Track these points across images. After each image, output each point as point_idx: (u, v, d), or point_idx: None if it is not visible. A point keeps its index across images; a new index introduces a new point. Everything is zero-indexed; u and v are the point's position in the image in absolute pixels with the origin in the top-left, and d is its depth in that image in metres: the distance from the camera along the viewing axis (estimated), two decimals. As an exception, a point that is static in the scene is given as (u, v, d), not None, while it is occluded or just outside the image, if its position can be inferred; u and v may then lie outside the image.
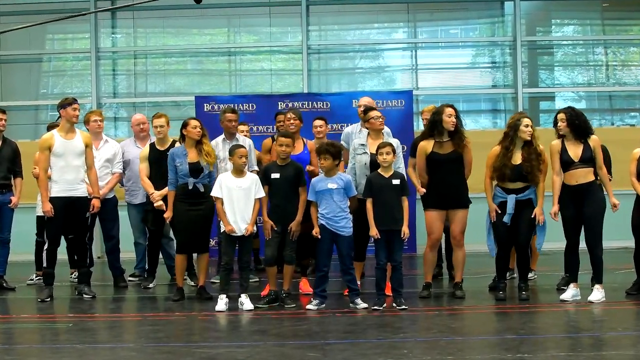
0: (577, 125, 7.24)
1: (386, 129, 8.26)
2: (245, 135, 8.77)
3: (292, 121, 8.07)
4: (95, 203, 8.02)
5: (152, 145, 8.54)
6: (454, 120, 7.48)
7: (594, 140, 7.27)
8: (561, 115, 7.33)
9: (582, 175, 7.22)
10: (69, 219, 7.86)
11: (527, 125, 7.34)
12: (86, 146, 7.91)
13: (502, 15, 13.13)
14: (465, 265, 7.71)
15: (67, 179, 7.78)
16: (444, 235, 7.96)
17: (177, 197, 7.71)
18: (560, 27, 13.88)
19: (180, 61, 13.62)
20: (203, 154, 7.74)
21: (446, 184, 7.50)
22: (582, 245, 7.33)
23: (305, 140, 8.18)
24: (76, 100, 7.94)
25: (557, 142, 7.37)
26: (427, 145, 7.57)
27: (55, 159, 7.78)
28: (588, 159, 7.21)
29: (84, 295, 8.01)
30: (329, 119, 9.01)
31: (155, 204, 8.20)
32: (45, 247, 8.03)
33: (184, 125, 7.80)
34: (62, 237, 8.05)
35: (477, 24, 13.59)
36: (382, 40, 13.70)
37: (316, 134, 8.45)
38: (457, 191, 7.53)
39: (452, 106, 7.60)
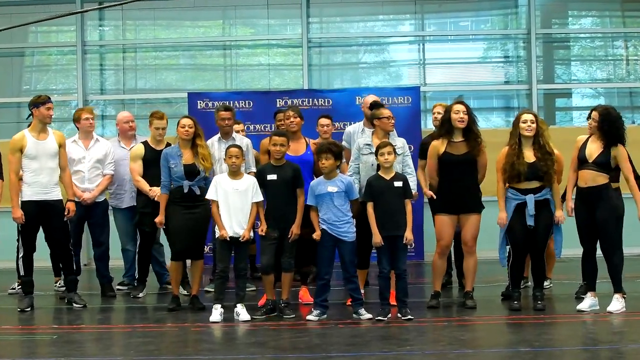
0: (606, 131, 7.23)
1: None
2: (242, 135, 8.78)
3: (292, 119, 8.02)
4: (70, 206, 7.98)
5: (146, 144, 8.55)
6: (462, 117, 7.48)
7: (618, 151, 7.21)
8: (595, 114, 7.32)
9: (591, 178, 7.23)
10: (46, 225, 7.85)
11: (525, 121, 7.35)
12: (60, 146, 7.89)
13: (515, 6, 13.14)
14: (476, 274, 7.73)
15: (41, 182, 7.77)
16: (453, 241, 7.97)
17: (172, 201, 7.73)
18: (578, 19, 13.88)
19: (172, 55, 13.63)
20: (199, 157, 7.75)
21: (458, 187, 7.50)
22: (599, 251, 7.36)
23: (308, 140, 8.18)
24: (50, 99, 7.89)
25: (581, 138, 7.40)
26: (439, 145, 7.57)
27: (27, 161, 7.75)
28: (601, 163, 7.20)
29: (74, 305, 8.02)
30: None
31: (157, 198, 8.15)
32: (21, 254, 8.03)
33: (177, 124, 7.83)
34: (46, 243, 8.07)
35: (489, 16, 13.60)
36: (388, 33, 13.70)
37: (322, 133, 8.45)
38: (469, 195, 7.52)
39: (462, 103, 7.60)
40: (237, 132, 8.79)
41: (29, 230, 7.84)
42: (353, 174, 7.64)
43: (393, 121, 7.82)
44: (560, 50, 13.62)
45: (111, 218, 9.06)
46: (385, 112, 7.78)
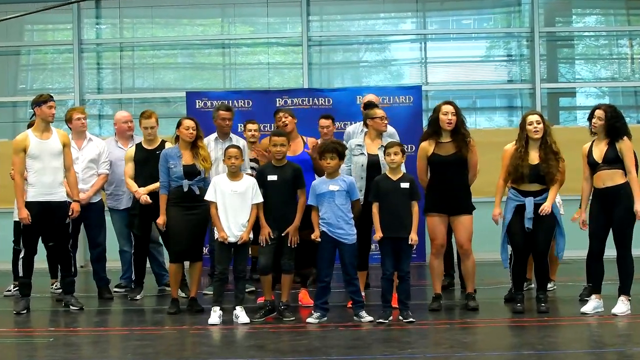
0: (616, 127, 7.23)
1: (391, 129, 8.28)
2: (254, 135, 8.78)
3: (283, 120, 8.08)
4: (75, 207, 8.01)
5: (138, 145, 8.56)
6: (450, 118, 7.48)
7: (623, 143, 7.23)
8: (599, 112, 7.29)
9: (609, 178, 7.23)
10: (48, 226, 7.85)
11: (531, 123, 7.35)
12: (64, 146, 7.90)
13: (518, 4, 13.15)
14: (477, 275, 7.73)
15: (45, 182, 7.76)
16: (453, 242, 7.97)
17: (171, 201, 7.73)
18: (582, 18, 13.89)
19: (170, 54, 13.64)
20: (199, 158, 7.76)
21: (447, 187, 7.51)
22: (606, 253, 7.36)
23: (305, 138, 8.18)
24: (52, 98, 7.91)
25: (586, 145, 7.41)
26: (427, 147, 7.60)
27: (31, 161, 7.75)
28: (612, 160, 7.21)
29: (71, 307, 8.02)
30: (330, 116, 9.01)
31: (141, 200, 8.18)
32: (21, 255, 8.04)
33: (178, 124, 7.84)
34: (43, 245, 8.08)
35: (491, 14, 13.61)
36: (389, 31, 13.71)
37: (323, 135, 8.44)
38: (459, 196, 7.54)
39: (451, 103, 7.61)
40: (251, 130, 8.79)
41: (31, 231, 7.84)
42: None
43: (386, 121, 7.82)
44: (564, 49, 13.62)
45: (108, 219, 9.06)
46: (379, 112, 7.80)
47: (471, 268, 7.66)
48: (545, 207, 7.28)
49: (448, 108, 7.53)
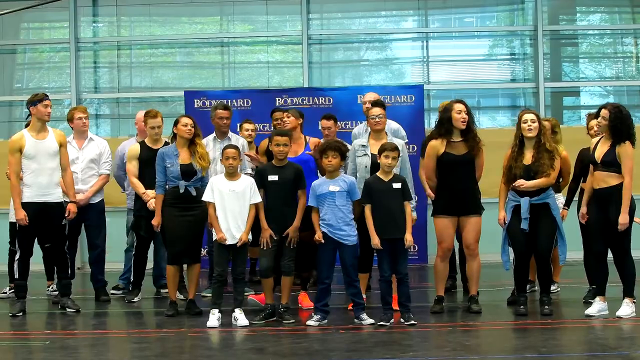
0: (619, 129, 7.21)
1: (395, 125, 8.27)
2: (250, 135, 8.77)
3: (284, 118, 8.13)
4: (72, 208, 8.01)
5: (143, 144, 8.54)
6: (465, 116, 7.49)
7: (622, 148, 7.15)
8: (604, 112, 7.26)
9: (602, 179, 7.22)
10: (43, 227, 7.85)
11: (525, 121, 7.35)
12: (60, 145, 7.90)
13: (522, 2, 13.15)
14: (480, 277, 7.73)
15: (41, 183, 7.76)
16: (457, 244, 7.98)
17: (167, 202, 7.72)
18: (586, 16, 13.90)
19: (168, 53, 13.65)
20: (196, 156, 7.76)
21: (459, 188, 7.50)
22: (610, 255, 7.37)
23: (307, 138, 8.17)
24: (47, 96, 7.91)
25: (594, 140, 7.41)
26: (439, 146, 7.57)
27: (27, 162, 7.76)
28: (608, 163, 7.19)
29: (67, 310, 8.02)
30: (331, 116, 9.01)
31: (149, 205, 8.15)
32: (17, 256, 8.04)
33: (176, 122, 7.83)
34: (39, 246, 8.08)
35: (494, 12, 13.61)
36: (390, 29, 13.71)
37: (325, 136, 8.45)
38: (469, 196, 7.54)
39: (462, 102, 7.60)
40: (247, 130, 8.79)
41: (27, 233, 7.84)
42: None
43: (377, 120, 7.71)
44: (567, 48, 13.63)
45: (110, 220, 9.06)
46: (371, 111, 7.75)
47: (476, 270, 7.66)
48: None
49: (461, 106, 7.52)
